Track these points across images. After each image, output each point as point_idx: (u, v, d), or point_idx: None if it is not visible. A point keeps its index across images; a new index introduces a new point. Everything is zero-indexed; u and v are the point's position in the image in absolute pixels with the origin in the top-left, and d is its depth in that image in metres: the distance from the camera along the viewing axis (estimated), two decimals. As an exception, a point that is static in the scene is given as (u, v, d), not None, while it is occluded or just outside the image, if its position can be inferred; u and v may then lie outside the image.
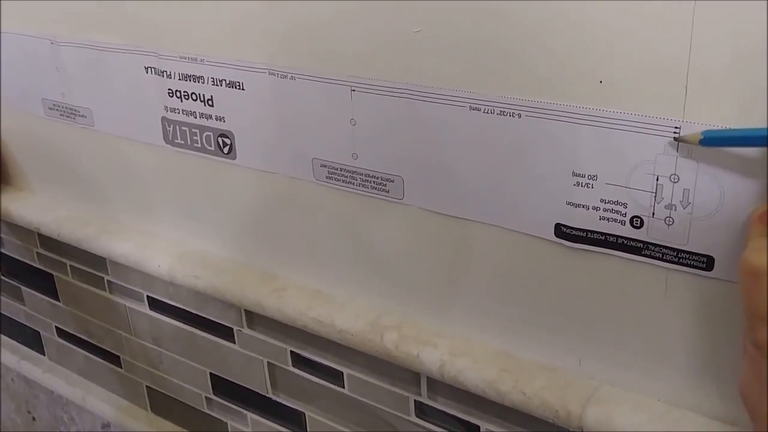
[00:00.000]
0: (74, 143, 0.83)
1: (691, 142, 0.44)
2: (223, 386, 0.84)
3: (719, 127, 0.43)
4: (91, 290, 0.92)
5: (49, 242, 0.93)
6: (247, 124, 0.66)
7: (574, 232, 0.51)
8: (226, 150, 0.69)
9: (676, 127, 0.44)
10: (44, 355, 1.08)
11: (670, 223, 0.47)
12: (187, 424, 0.92)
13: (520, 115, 0.50)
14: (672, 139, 0.45)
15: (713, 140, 0.43)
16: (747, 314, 0.40)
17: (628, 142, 0.47)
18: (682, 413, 0.52)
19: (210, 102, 0.67)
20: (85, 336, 0.98)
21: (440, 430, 0.66)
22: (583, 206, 0.50)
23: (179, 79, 0.68)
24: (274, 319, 0.70)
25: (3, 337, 1.14)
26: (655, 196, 0.47)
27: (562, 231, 0.52)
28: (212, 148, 0.70)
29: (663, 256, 0.48)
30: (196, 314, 0.80)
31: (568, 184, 0.50)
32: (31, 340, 1.08)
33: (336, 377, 0.71)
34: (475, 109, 0.52)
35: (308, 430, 0.78)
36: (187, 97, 0.69)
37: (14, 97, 0.87)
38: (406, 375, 0.65)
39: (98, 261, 0.88)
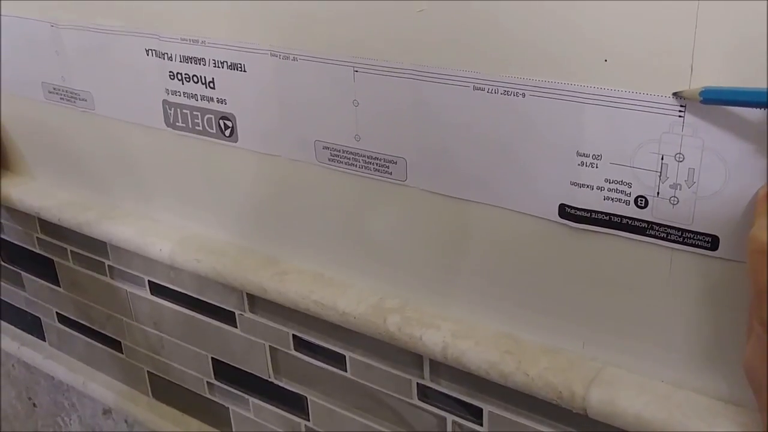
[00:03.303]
0: (75, 127, 0.83)
1: (691, 98, 0.43)
2: (224, 371, 0.84)
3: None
4: (92, 275, 0.92)
5: (49, 227, 0.93)
6: (249, 107, 0.66)
7: (578, 212, 0.51)
8: (227, 133, 0.68)
9: (681, 106, 0.44)
10: (45, 341, 1.08)
11: (675, 202, 0.47)
12: (189, 409, 0.92)
13: (524, 95, 0.50)
14: (677, 113, 0.44)
15: (713, 96, 0.42)
16: (754, 292, 0.40)
17: (632, 121, 0.46)
18: (685, 394, 0.52)
19: (211, 84, 0.67)
20: (86, 321, 0.98)
21: (443, 412, 0.66)
22: (588, 186, 0.50)
23: (180, 62, 0.68)
24: (276, 302, 0.70)
25: (3, 323, 1.13)
26: (660, 176, 0.47)
27: (566, 211, 0.52)
28: (214, 131, 0.69)
29: (668, 236, 0.48)
30: (198, 298, 0.80)
31: (572, 163, 0.50)
32: (32, 326, 1.08)
33: (338, 361, 0.71)
34: (479, 89, 0.52)
35: (310, 414, 0.78)
36: (188, 79, 0.68)
37: (14, 81, 0.87)
38: (409, 358, 0.65)
39: (99, 246, 0.88)
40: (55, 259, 0.96)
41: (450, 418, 0.65)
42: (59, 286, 0.98)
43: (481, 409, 0.63)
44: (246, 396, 0.84)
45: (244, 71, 0.64)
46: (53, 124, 0.85)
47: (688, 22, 0.42)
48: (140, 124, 0.75)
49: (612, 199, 0.49)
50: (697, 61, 0.43)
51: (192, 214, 0.77)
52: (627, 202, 0.49)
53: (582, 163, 0.49)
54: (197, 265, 0.74)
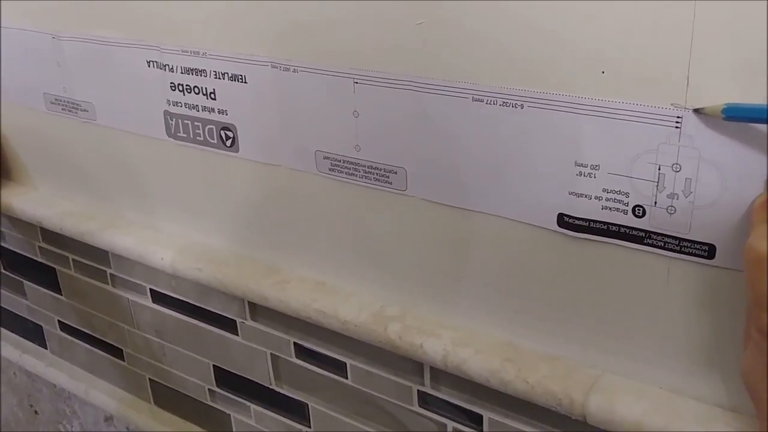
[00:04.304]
0: (76, 138, 0.83)
1: (713, 114, 0.43)
2: (226, 378, 0.84)
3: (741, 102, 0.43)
4: (93, 284, 0.92)
5: (51, 236, 0.93)
6: (250, 117, 0.66)
7: (576, 221, 0.52)
8: (228, 143, 0.69)
9: (678, 117, 0.45)
10: (47, 348, 1.08)
11: (672, 212, 0.47)
12: (191, 417, 0.93)
13: (522, 106, 0.51)
14: (674, 124, 0.45)
15: (735, 114, 0.42)
16: (751, 301, 0.41)
17: (630, 131, 0.47)
18: (684, 401, 0.52)
19: (212, 95, 0.67)
20: (88, 329, 0.99)
21: (443, 419, 0.66)
22: (586, 196, 0.50)
23: (181, 73, 0.68)
24: (278, 310, 0.70)
25: (5, 331, 1.14)
26: (657, 186, 0.47)
27: (564, 221, 0.52)
28: (215, 142, 0.70)
29: (665, 244, 0.49)
30: (199, 307, 0.81)
31: (570, 174, 0.50)
32: (34, 333, 1.09)
33: (339, 368, 0.72)
34: (478, 100, 0.52)
35: (312, 421, 0.78)
36: (189, 90, 0.69)
37: (16, 92, 0.87)
38: (410, 365, 0.66)
39: (101, 254, 0.88)
40: (57, 267, 0.97)
41: (450, 424, 0.66)
42: (61, 295, 0.99)
43: (482, 416, 0.63)
44: (247, 403, 0.84)
45: (245, 82, 0.64)
46: (55, 134, 0.86)
47: (684, 34, 0.43)
48: (142, 134, 0.76)
49: (610, 209, 0.50)
50: (693, 72, 0.44)
51: (193, 224, 0.78)
52: (625, 212, 0.49)
53: (580, 173, 0.50)
54: (198, 273, 0.74)
